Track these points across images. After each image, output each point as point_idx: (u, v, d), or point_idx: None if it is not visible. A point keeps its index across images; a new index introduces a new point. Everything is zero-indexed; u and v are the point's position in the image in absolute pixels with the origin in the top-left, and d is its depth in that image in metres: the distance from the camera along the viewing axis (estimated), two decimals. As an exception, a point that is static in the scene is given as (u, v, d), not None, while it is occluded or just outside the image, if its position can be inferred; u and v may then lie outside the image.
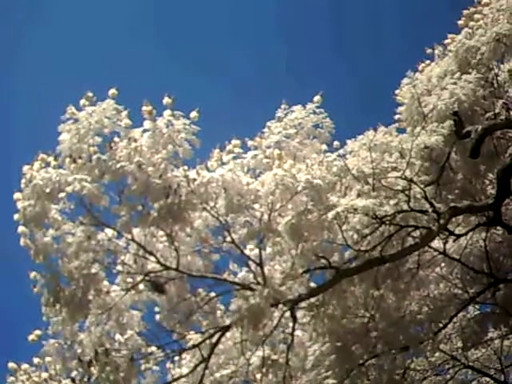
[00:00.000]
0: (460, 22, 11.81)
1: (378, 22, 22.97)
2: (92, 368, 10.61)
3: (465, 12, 11.81)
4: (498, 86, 11.62)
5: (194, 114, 10.35)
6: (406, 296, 12.01)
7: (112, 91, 10.29)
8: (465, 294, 12.55)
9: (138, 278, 10.84)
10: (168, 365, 11.67)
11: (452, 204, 10.92)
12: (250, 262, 11.03)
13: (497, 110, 10.88)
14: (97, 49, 22.09)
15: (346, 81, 20.60)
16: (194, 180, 10.31)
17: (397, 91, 11.85)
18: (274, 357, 11.37)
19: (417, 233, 11.12)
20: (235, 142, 10.68)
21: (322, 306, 11.35)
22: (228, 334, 11.36)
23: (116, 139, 10.32)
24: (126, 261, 10.80)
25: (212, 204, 10.55)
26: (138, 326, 11.17)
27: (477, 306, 13.28)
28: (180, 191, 10.26)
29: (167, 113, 10.28)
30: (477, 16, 11.58)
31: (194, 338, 11.25)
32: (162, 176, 10.18)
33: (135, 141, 10.21)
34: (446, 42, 11.88)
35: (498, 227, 12.07)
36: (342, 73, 21.39)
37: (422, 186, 10.79)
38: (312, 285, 11.21)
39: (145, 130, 10.32)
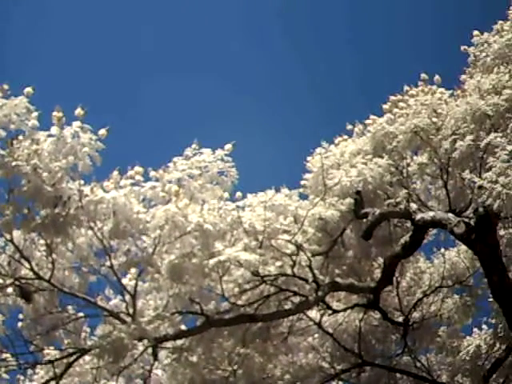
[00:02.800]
0: (385, 106, 11.92)
1: (299, 89, 23.04)
2: None
3: (391, 98, 11.92)
4: (407, 176, 11.75)
5: (102, 132, 10.09)
6: (272, 359, 11.92)
7: (27, 89, 9.95)
8: (331, 368, 12.55)
9: (8, 281, 10.41)
10: (19, 376, 11.20)
11: (334, 279, 10.90)
12: (125, 292, 10.70)
13: (398, 199, 10.92)
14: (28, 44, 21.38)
15: (263, 137, 20.52)
16: (87, 196, 10.01)
17: (309, 158, 11.82)
18: (128, 391, 11.06)
19: (296, 298, 11.06)
20: (137, 168, 10.44)
21: (186, 350, 11.15)
22: (86, 358, 11.01)
23: (20, 137, 9.93)
24: (0, 261, 10.36)
25: (99, 225, 10.24)
26: (-4, 329, 10.70)
27: (340, 383, 13.23)
28: (70, 204, 9.96)
29: (76, 123, 9.98)
30: (401, 104, 11.69)
31: (51, 353, 10.86)
32: (55, 185, 9.86)
33: (38, 143, 9.87)
34: (367, 121, 11.95)
35: (376, 311, 12.07)
36: (261, 129, 21.32)
37: (310, 254, 10.79)
38: (182, 327, 10.98)
39: (50, 135, 9.99)
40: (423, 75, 12.00)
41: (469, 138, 10.45)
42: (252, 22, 23.22)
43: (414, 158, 11.95)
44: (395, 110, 11.74)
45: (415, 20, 22.58)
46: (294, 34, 23.13)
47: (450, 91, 11.80)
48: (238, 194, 11.07)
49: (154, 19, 22.58)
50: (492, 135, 10.04)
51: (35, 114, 9.88)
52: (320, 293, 10.59)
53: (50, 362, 10.72)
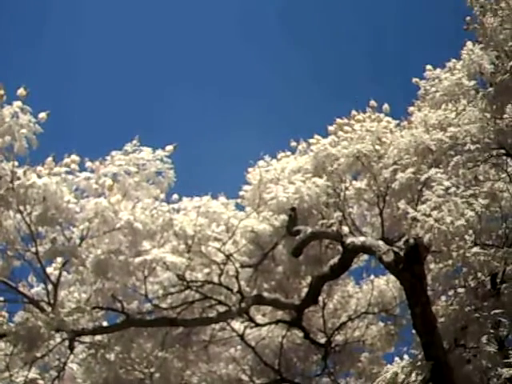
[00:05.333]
0: (330, 128, 11.54)
1: (247, 99, 22.57)
2: None
3: (337, 120, 11.56)
4: (344, 199, 11.39)
5: (42, 115, 9.53)
6: (191, 366, 11.52)
7: (-31, 64, 9.39)
8: (250, 382, 12.21)
9: None
10: None
11: (260, 293, 10.48)
12: (48, 281, 10.11)
13: (332, 221, 10.53)
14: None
15: (209, 143, 19.98)
16: (19, 179, 9.43)
17: (250, 169, 11.40)
18: (40, 382, 10.43)
19: (222, 308, 10.62)
20: (74, 157, 9.90)
21: (104, 347, 10.62)
22: (1, 344, 10.36)
23: (-45, 112, 9.35)
24: None
25: (28, 209, 9.66)
26: None
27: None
28: (0, 185, 9.34)
29: (17, 104, 9.42)
30: (346, 128, 11.32)
31: (-37, 336, 10.20)
32: (-13, 163, 9.26)
33: (-27, 119, 9.28)
34: (311, 140, 11.56)
35: (300, 329, 11.66)
36: (207, 134, 20.77)
37: (239, 265, 10.38)
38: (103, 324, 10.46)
39: (-12, 113, 9.42)
40: (372, 102, 11.66)
41: (410, 170, 10.15)
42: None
43: (353, 182, 11.61)
44: (340, 132, 11.37)
45: (371, 45, 22.25)
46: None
47: (397, 121, 11.50)
48: (175, 196, 10.61)
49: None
50: (433, 170, 9.74)
51: (-25, 90, 9.33)
52: (243, 304, 10.23)
53: (-40, 344, 10.13)
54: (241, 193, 11.35)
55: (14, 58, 19.65)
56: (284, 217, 10.70)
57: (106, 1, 22.31)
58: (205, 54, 21.84)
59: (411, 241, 9.20)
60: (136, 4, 21.72)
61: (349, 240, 10.14)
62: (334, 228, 10.46)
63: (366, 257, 12.00)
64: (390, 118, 11.42)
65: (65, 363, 10.47)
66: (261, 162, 11.44)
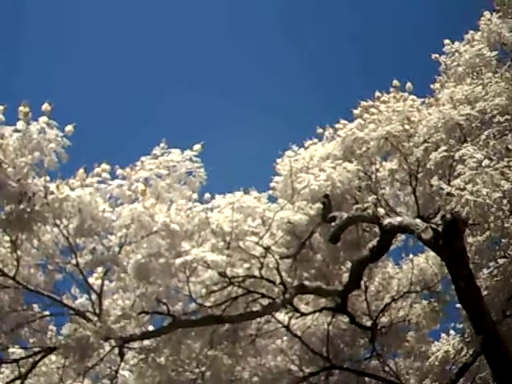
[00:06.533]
0: (355, 111, 11.32)
1: (270, 90, 22.39)
2: None
3: (362, 103, 11.32)
4: (376, 181, 11.18)
5: (69, 128, 9.40)
6: (240, 361, 11.30)
7: (-7, 84, 9.29)
8: (300, 371, 11.94)
9: (-28, 278, 9.67)
10: (-18, 375, 10.45)
11: (302, 282, 10.25)
12: (92, 291, 9.99)
13: (366, 204, 10.29)
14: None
15: (234, 138, 19.80)
16: (52, 193, 9.30)
17: (278, 160, 11.18)
18: (95, 391, 10.36)
19: (265, 301, 10.43)
20: (104, 166, 9.75)
21: (153, 351, 10.49)
22: (52, 357, 10.31)
23: (-15, 132, 9.24)
24: (-38, 258, 9.64)
25: (65, 222, 9.54)
26: (-40, 327, 9.96)
27: (309, 386, 12.60)
28: (35, 200, 9.25)
29: (43, 119, 9.29)
30: (372, 110, 11.08)
31: (16, 352, 10.15)
32: (20, 180, 9.16)
33: (2, 138, 9.17)
34: (338, 126, 11.33)
35: (345, 315, 11.44)
36: (231, 130, 20.57)
37: (277, 257, 10.15)
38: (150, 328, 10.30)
39: (16, 131, 9.29)
40: (395, 82, 11.41)
41: (442, 148, 9.96)
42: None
43: (384, 163, 11.39)
44: (366, 115, 11.15)
45: (387, 27, 21.96)
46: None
47: (422, 99, 11.23)
48: (207, 195, 10.42)
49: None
50: (466, 147, 9.49)
51: (0, 107, 9.20)
52: (287, 295, 10.01)
53: (15, 360, 10.10)
54: (272, 184, 11.15)
55: (35, 72, 19.69)
56: (318, 205, 10.47)
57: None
58: (206, 55, 21.75)
59: (448, 216, 8.91)
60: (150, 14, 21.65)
61: (386, 221, 9.90)
62: (370, 211, 10.22)
63: (403, 237, 11.76)
64: (414, 97, 11.16)
65: (116, 371, 10.35)
66: (289, 152, 11.22)
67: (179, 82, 21.49)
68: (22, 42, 20.81)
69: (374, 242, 10.31)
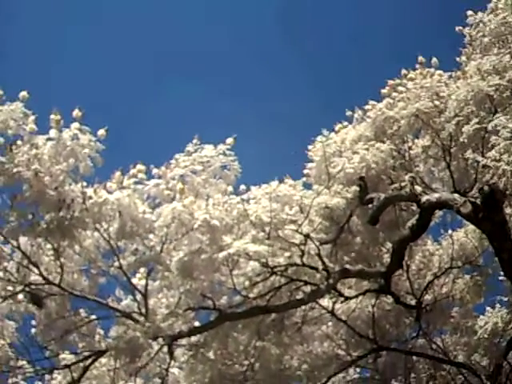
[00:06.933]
0: (383, 91, 11.19)
1: (295, 77, 22.24)
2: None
3: (389, 82, 11.18)
4: (410, 159, 11.09)
5: (101, 132, 9.42)
6: (288, 350, 11.23)
7: (23, 94, 9.33)
8: (347, 356, 11.91)
9: (18, 288, 9.78)
10: (37, 382, 10.53)
11: (344, 266, 10.16)
12: (136, 292, 10.00)
13: (403, 183, 10.17)
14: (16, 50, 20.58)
15: (260, 128, 19.67)
16: (90, 198, 9.32)
17: (310, 147, 11.08)
18: (147, 390, 10.36)
19: (307, 288, 10.36)
20: (140, 167, 9.75)
21: (202, 346, 10.48)
22: (103, 360, 10.35)
23: (18, 143, 9.27)
24: (9, 268, 9.73)
25: (105, 226, 9.56)
26: (10, 336, 10.10)
27: (357, 370, 12.68)
28: (74, 207, 9.31)
29: (74, 125, 9.32)
30: (400, 88, 10.94)
31: (67, 358, 10.21)
32: (57, 188, 9.23)
33: (37, 148, 9.22)
34: (367, 107, 11.21)
35: (388, 296, 11.34)
36: (256, 120, 20.43)
37: (318, 243, 10.07)
38: (195, 324, 10.29)
39: (49, 139, 9.34)
40: (420, 58, 11.25)
41: (474, 121, 9.82)
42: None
43: (416, 141, 11.26)
44: (394, 94, 11.02)
45: (409, 3, 21.62)
46: (291, 25, 22.15)
47: (449, 73, 11.06)
48: (242, 187, 10.34)
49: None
50: (498, 117, 9.35)
51: (32, 118, 9.23)
52: (331, 280, 9.88)
53: (67, 366, 10.17)
54: (305, 171, 11.05)
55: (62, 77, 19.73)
56: (354, 188, 10.36)
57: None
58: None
59: (486, 188, 8.77)
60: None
61: (424, 198, 9.76)
62: (407, 189, 10.10)
63: (440, 213, 11.62)
64: (441, 72, 11.01)
65: (167, 369, 10.34)
66: (320, 138, 11.11)
67: (192, 78, 21.33)
68: (50, 48, 20.81)
69: (413, 221, 10.19)
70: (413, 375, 12.43)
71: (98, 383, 10.64)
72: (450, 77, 11.00)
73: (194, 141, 10.15)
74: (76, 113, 9.38)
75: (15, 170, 9.06)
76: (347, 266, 10.22)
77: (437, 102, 10.48)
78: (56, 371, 10.48)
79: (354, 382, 12.47)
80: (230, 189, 10.28)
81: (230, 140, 10.21)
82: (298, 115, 19.75)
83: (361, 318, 11.87)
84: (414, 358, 12.27)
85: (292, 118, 19.82)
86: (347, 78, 21.28)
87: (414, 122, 10.65)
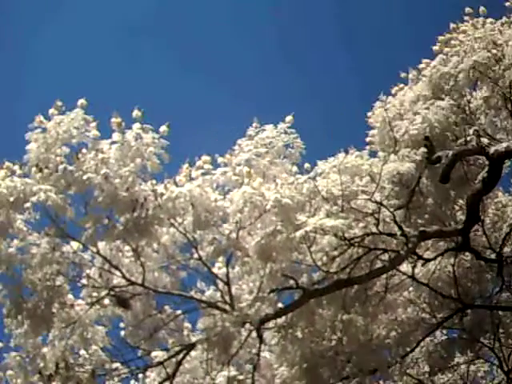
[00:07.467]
0: (435, 48, 10.98)
1: (351, 44, 22.04)
2: (53, 382, 9.56)
3: (440, 38, 10.99)
4: (470, 112, 10.91)
5: (163, 129, 9.43)
6: (373, 319, 11.10)
7: (81, 101, 9.38)
8: (432, 318, 11.79)
9: (103, 293, 9.83)
10: (132, 382, 10.64)
11: (421, 228, 10.08)
12: (218, 281, 10.01)
13: (468, 137, 10.00)
14: (68, 57, 20.83)
15: (316, 102, 19.53)
16: (162, 194, 9.35)
17: (369, 114, 10.94)
18: (241, 377, 10.31)
19: (385, 256, 10.29)
20: (205, 158, 9.72)
21: (289, 327, 10.43)
22: (193, 353, 10.36)
23: (84, 150, 9.37)
24: (91, 274, 9.80)
25: (180, 220, 9.59)
26: (102, 341, 10.16)
27: (444, 331, 12.60)
28: (147, 205, 9.31)
29: (136, 126, 9.37)
30: (453, 42, 10.72)
31: (159, 355, 10.25)
32: (129, 189, 9.23)
33: (103, 152, 9.28)
34: (421, 66, 11.04)
35: (467, 253, 11.21)
36: (312, 95, 20.30)
37: (391, 209, 9.95)
38: (280, 305, 10.23)
39: (113, 142, 9.39)
40: (468, 9, 11.00)
41: None
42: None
43: (474, 93, 11.04)
44: (446, 49, 10.82)
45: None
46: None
47: (500, 21, 10.79)
48: (306, 164, 10.22)
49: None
50: None
51: (94, 124, 9.27)
52: (410, 245, 9.73)
53: (160, 363, 10.15)
54: (368, 139, 10.92)
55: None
56: (422, 149, 10.17)
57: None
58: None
59: (556, 131, 8.57)
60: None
61: (492, 149, 9.62)
62: (473, 143, 9.94)
63: (508, 163, 11.40)
64: (492, 19, 10.76)
65: (258, 353, 10.30)
66: (378, 103, 10.95)
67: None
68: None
69: (484, 174, 10.03)
70: (501, 330, 12.24)
71: (192, 376, 10.63)
72: (503, 24, 10.74)
73: (254, 124, 10.08)
74: (136, 113, 9.39)
75: (84, 176, 9.10)
76: (425, 228, 10.07)
77: (494, 51, 10.25)
78: (149, 369, 10.52)
79: (442, 344, 12.31)
80: (295, 168, 10.18)
81: (289, 118, 10.12)
82: (350, 85, 19.50)
83: (441, 279, 11.70)
84: (501, 312, 12.06)
85: (345, 89, 19.62)
86: (397, 38, 20.95)
87: (473, 74, 10.43)
